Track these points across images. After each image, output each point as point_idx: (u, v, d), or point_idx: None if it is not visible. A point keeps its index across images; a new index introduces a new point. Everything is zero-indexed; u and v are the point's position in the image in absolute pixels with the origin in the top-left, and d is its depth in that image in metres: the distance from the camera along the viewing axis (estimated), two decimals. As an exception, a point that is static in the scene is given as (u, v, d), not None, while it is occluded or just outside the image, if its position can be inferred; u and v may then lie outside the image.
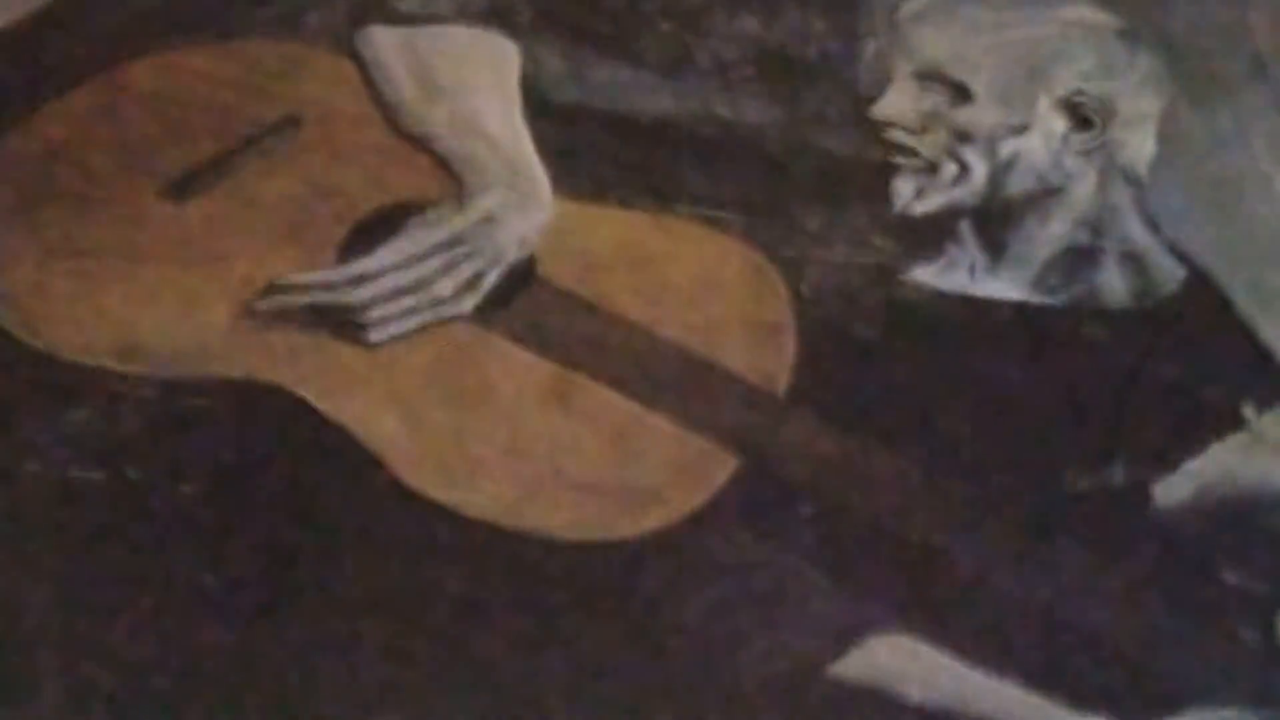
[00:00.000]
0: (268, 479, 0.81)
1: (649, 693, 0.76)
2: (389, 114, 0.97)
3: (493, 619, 0.77)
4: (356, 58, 0.99)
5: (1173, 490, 0.86)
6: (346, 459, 0.81)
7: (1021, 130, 0.97)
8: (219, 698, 0.74)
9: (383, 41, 1.00)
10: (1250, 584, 0.82)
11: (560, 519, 0.80)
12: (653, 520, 0.81)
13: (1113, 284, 0.95)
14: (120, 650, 0.75)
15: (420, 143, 0.95)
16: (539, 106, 0.98)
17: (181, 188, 0.91)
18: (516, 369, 0.86)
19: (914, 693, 0.77)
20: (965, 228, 0.96)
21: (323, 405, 0.83)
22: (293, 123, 0.95)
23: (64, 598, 0.76)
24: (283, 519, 0.79)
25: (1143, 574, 0.82)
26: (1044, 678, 0.78)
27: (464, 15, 1.02)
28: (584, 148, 0.97)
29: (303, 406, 0.83)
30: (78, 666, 0.74)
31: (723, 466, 0.83)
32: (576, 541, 0.80)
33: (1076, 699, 0.78)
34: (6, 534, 0.77)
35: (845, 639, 0.78)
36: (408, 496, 0.80)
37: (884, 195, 0.97)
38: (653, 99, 1.00)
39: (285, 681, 0.75)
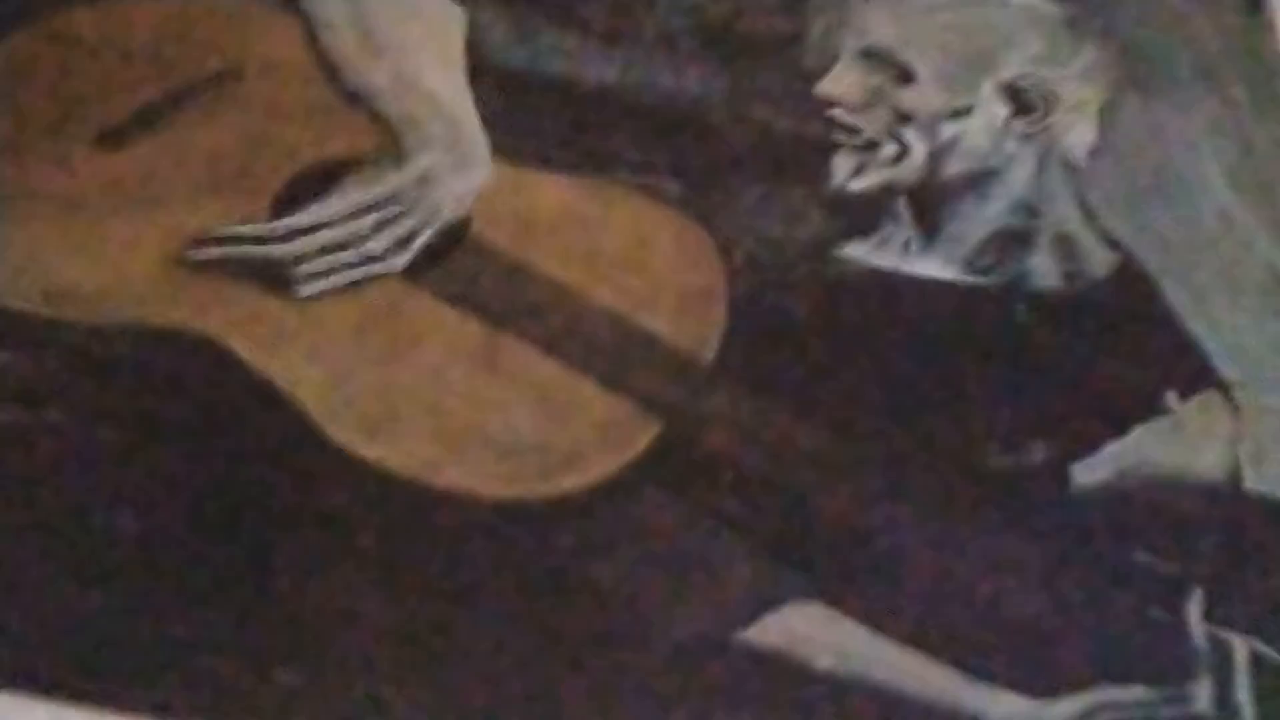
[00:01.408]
0: (192, 427, 0.80)
1: (559, 652, 0.76)
2: (331, 70, 0.97)
3: (408, 573, 0.77)
4: (301, 13, 0.99)
5: (1092, 471, 0.87)
6: (271, 410, 0.81)
7: (964, 113, 0.98)
8: (133, 648, 0.74)
9: (329, -2, 1.00)
10: (1161, 565, 0.84)
11: (481, 477, 0.81)
12: (572, 481, 0.81)
13: (1044, 266, 0.96)
14: (39, 591, 0.75)
15: (361, 100, 0.95)
16: (482, 69, 0.98)
17: (116, 136, 0.91)
18: (445, 328, 0.86)
19: (824, 660, 0.78)
20: (902, 206, 0.97)
21: (249, 356, 0.83)
22: (233, 75, 0.95)
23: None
24: (204, 467, 0.79)
25: (1057, 553, 0.83)
26: (954, 651, 0.79)
27: (411, -25, 1.03)
28: (525, 112, 0.97)
29: (229, 357, 0.83)
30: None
31: (644, 431, 0.83)
32: (495, 500, 0.80)
33: (985, 673, 0.79)
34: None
35: (759, 606, 0.79)
36: (330, 450, 0.80)
37: (823, 171, 0.97)
38: (597, 66, 1.00)
39: (200, 634, 0.75)
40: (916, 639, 0.79)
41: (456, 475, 0.80)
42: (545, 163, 0.95)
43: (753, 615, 0.78)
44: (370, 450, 0.80)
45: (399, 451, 0.80)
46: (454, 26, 1.01)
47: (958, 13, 1.01)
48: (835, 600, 0.80)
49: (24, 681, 0.73)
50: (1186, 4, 1.08)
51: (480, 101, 0.97)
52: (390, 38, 0.99)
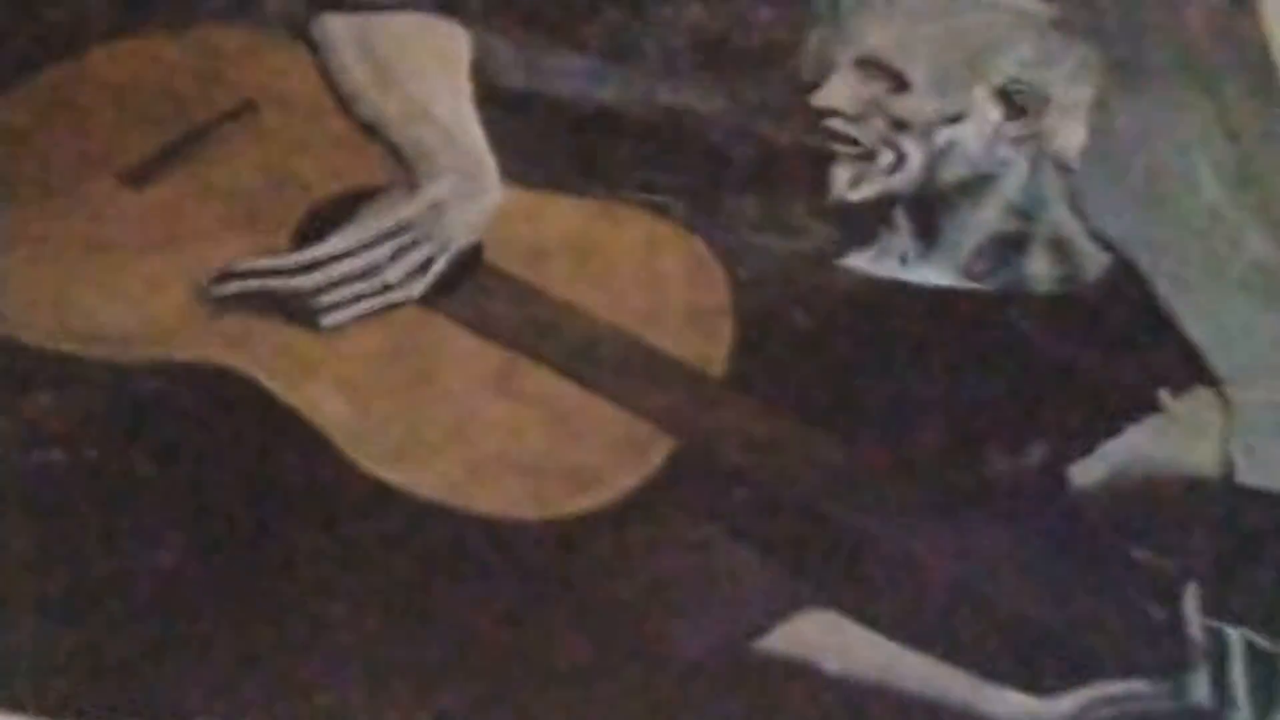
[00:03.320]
0: (223, 460, 0.84)
1: (585, 666, 0.79)
2: (343, 101, 1.00)
3: (438, 595, 0.81)
4: (312, 44, 1.02)
5: (1089, 471, 0.90)
6: (299, 440, 0.85)
7: (957, 119, 1.01)
8: (173, 676, 0.77)
9: (338, 28, 1.03)
10: (1158, 561, 0.87)
11: (504, 498, 0.84)
12: (591, 500, 0.84)
13: (1039, 270, 0.99)
14: (82, 628, 0.78)
15: (373, 130, 0.98)
16: (488, 93, 1.01)
17: (139, 174, 0.94)
18: (462, 353, 0.89)
19: (836, 665, 0.81)
20: (900, 215, 1.00)
21: (276, 388, 0.86)
22: (249, 109, 0.98)
23: (27, 575, 0.79)
24: (237, 499, 0.83)
25: (1057, 552, 0.87)
26: (960, 651, 0.82)
27: (417, 2, 1.05)
28: (532, 135, 1.00)
29: (256, 389, 0.86)
30: (40, 642, 0.78)
31: (659, 448, 0.87)
32: (519, 520, 0.83)
33: (990, 672, 0.82)
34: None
35: (773, 615, 0.82)
36: (358, 477, 0.84)
37: (822, 183, 1.00)
38: (599, 86, 1.03)
39: (237, 660, 0.78)
40: (923, 641, 0.82)
41: (482, 499, 0.83)
42: (552, 185, 0.98)
43: (767, 624, 0.82)
44: (397, 477, 0.83)
45: (425, 477, 0.84)
46: (460, 52, 1.03)
47: (948, 19, 1.04)
48: (845, 606, 0.83)
49: (70, 710, 0.76)
50: (1172, -3, 1.10)
51: (487, 125, 1.00)
52: (399, 67, 1.02)
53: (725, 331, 0.92)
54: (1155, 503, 0.89)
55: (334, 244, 0.92)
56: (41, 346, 0.86)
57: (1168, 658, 0.83)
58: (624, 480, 0.85)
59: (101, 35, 0.99)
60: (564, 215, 0.96)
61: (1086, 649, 0.83)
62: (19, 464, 0.82)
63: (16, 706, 0.76)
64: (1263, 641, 0.85)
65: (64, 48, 0.99)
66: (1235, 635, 0.85)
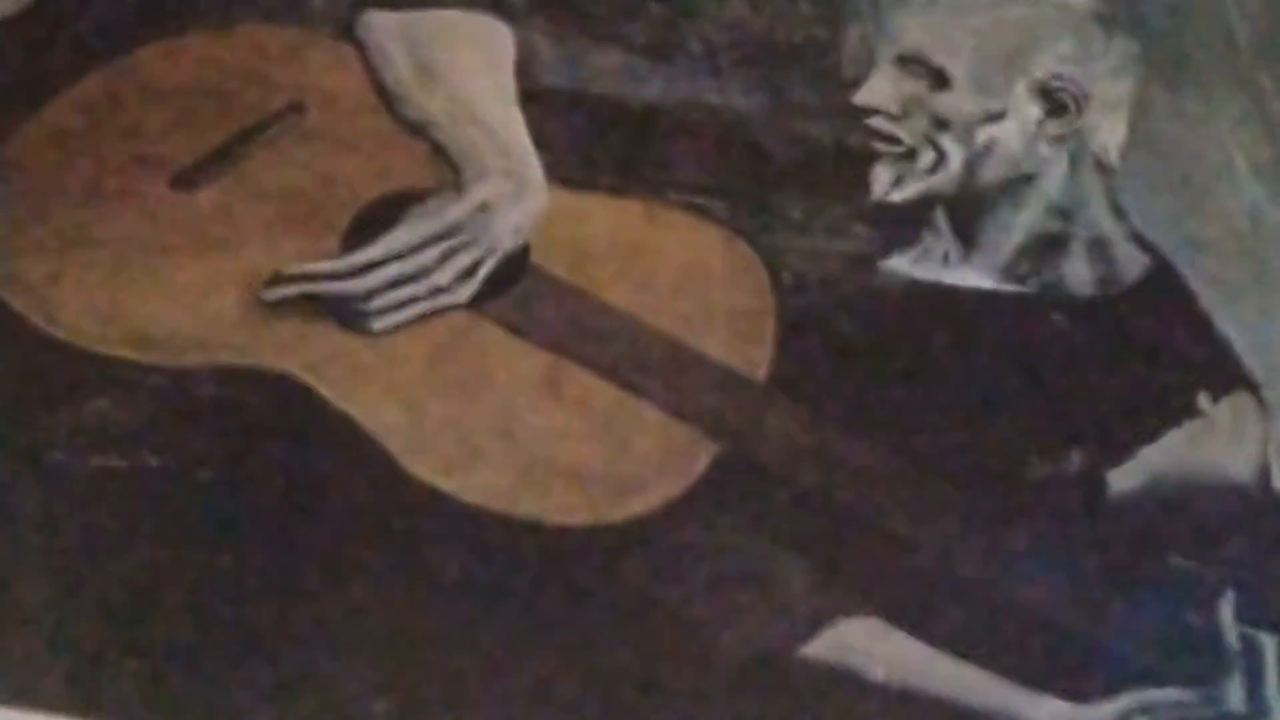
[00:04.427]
0: (278, 465, 0.85)
1: (631, 671, 0.81)
2: (389, 100, 1.00)
3: (487, 601, 0.82)
4: (357, 43, 1.03)
5: (1128, 477, 0.91)
6: (352, 445, 0.86)
7: (998, 117, 1.01)
8: (230, 678, 0.79)
9: (382, 26, 1.04)
10: (1195, 568, 0.88)
11: (551, 504, 0.85)
12: (637, 506, 0.85)
13: (1079, 271, 1.00)
14: (139, 634, 0.80)
15: (419, 130, 0.99)
16: (533, 92, 1.02)
17: (191, 177, 0.95)
18: (510, 358, 0.91)
19: (879, 672, 0.83)
20: (941, 216, 1.00)
21: (329, 393, 0.87)
22: (297, 110, 0.99)
23: (89, 583, 0.81)
24: (293, 504, 0.84)
25: (1095, 559, 0.88)
26: (1000, 658, 0.83)
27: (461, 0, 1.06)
28: (576, 134, 1.01)
29: (310, 394, 0.87)
30: (99, 651, 0.79)
31: (704, 453, 0.88)
32: (566, 526, 0.85)
33: (1030, 679, 0.83)
34: (35, 522, 0.82)
35: (816, 621, 0.83)
36: (410, 483, 0.85)
37: (864, 183, 1.00)
38: (643, 85, 1.03)
39: (292, 662, 0.80)
40: (963, 648, 0.84)
41: (530, 503, 0.85)
42: (596, 186, 0.99)
43: (811, 631, 0.83)
44: (449, 483, 0.85)
45: (476, 483, 0.85)
46: (504, 50, 1.04)
47: (988, 13, 1.04)
48: (885, 612, 0.84)
49: (137, 714, 0.78)
50: (1214, -9, 1.10)
51: (532, 124, 1.00)
52: (444, 65, 1.02)
53: (768, 334, 0.93)
54: (1193, 510, 0.90)
55: (383, 247, 0.93)
56: (98, 351, 0.88)
57: (1204, 665, 0.85)
58: (669, 486, 0.86)
59: (149, 36, 1.00)
60: (608, 217, 0.97)
61: (1124, 656, 0.84)
62: (78, 469, 0.84)
63: (67, 709, 0.78)
64: (1298, 648, 0.86)
65: (113, 49, 1.00)
66: (1270, 642, 0.86)
